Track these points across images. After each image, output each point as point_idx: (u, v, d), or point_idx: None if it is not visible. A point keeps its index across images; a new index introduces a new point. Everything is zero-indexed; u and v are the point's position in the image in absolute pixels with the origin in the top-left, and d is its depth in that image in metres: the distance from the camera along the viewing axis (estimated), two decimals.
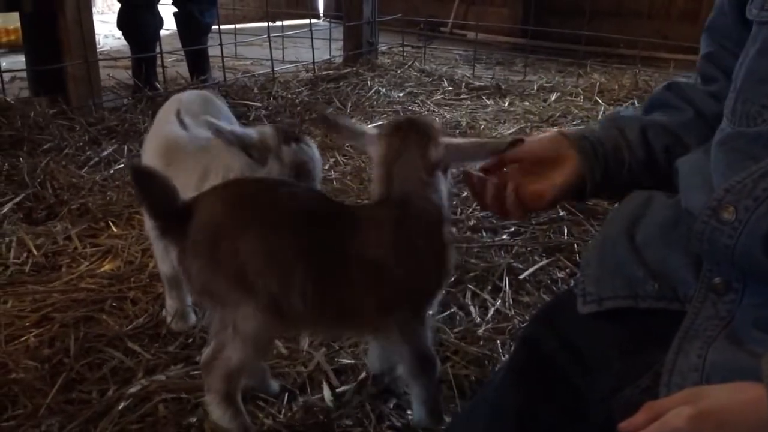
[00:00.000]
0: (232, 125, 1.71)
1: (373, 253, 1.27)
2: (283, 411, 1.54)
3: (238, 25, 6.16)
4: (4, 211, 2.49)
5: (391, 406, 1.56)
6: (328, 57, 5.38)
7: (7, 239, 2.28)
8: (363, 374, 1.65)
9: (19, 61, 4.85)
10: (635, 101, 4.37)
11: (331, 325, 1.42)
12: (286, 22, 6.59)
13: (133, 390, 1.56)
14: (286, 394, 1.59)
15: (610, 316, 1.02)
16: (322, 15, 8.75)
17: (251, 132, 1.62)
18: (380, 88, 4.57)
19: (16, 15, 5.17)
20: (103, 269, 2.14)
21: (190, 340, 1.81)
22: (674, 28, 6.20)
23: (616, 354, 1.00)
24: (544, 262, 2.22)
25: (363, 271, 1.27)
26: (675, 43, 5.57)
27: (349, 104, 4.19)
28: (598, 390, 0.99)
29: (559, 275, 2.15)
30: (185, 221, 1.22)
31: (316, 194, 1.40)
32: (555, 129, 1.26)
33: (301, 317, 1.28)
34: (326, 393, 1.59)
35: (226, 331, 1.25)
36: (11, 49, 5.55)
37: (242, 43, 5.70)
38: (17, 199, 2.57)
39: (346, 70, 4.97)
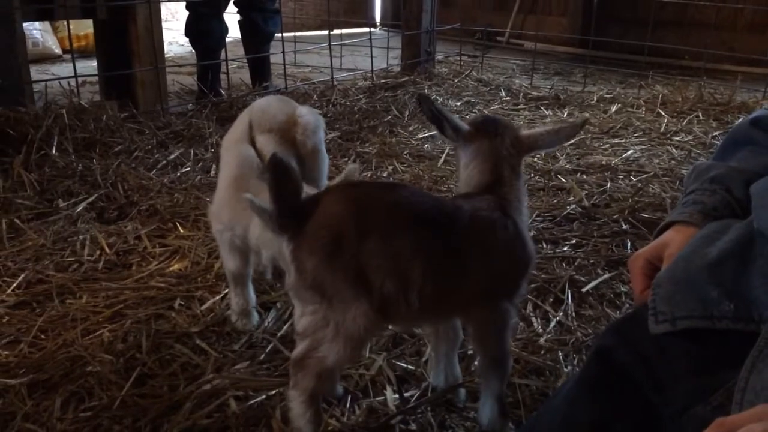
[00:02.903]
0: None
1: (484, 243, 1.36)
2: (346, 413, 1.56)
3: (297, 33, 6.28)
4: (78, 210, 2.60)
5: (454, 413, 1.57)
6: (386, 65, 5.42)
7: (81, 237, 2.38)
8: (426, 382, 1.66)
9: (88, 66, 5.07)
10: (699, 114, 4.28)
11: (433, 319, 1.50)
12: (344, 31, 6.67)
13: (203, 387, 1.60)
14: (349, 397, 1.61)
15: (684, 333, 1.00)
16: (379, 24, 8.83)
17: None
18: (438, 97, 4.59)
19: (86, 22, 5.42)
20: (171, 269, 2.21)
21: (255, 339, 1.86)
22: (741, 40, 6.04)
23: (688, 372, 0.98)
24: (607, 275, 2.19)
25: (474, 261, 1.34)
26: (742, 55, 5.42)
27: (407, 113, 4.22)
28: (669, 407, 0.98)
29: (622, 289, 2.12)
30: (304, 216, 1.27)
31: (426, 193, 1.47)
32: (680, 225, 1.20)
33: (410, 314, 1.31)
34: (389, 396, 1.61)
35: (326, 329, 1.28)
36: (81, 54, 5.78)
37: (301, 51, 5.80)
38: (90, 199, 2.68)
39: (403, 79, 5.02)
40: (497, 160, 1.46)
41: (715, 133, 3.90)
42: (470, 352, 1.78)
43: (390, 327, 1.80)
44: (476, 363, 1.70)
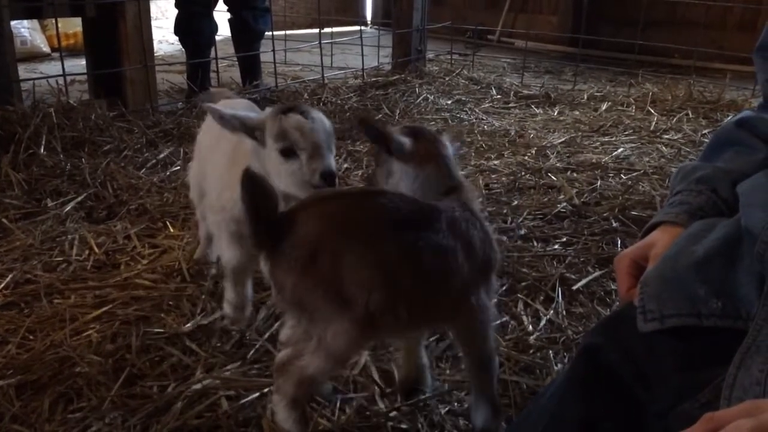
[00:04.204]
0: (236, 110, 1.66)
1: (462, 242, 1.33)
2: (336, 413, 1.56)
3: (288, 32, 6.26)
4: (67, 209, 2.58)
5: (444, 411, 1.57)
6: (377, 64, 5.42)
7: (69, 237, 2.36)
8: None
9: (77, 64, 5.03)
10: (689, 112, 4.30)
11: (420, 327, 1.49)
12: (335, 29, 6.66)
13: (192, 387, 1.60)
14: (339, 396, 1.61)
15: (672, 331, 1.00)
16: (370, 22, 8.82)
17: (252, 114, 1.60)
18: (428, 96, 4.59)
19: (74, 20, 5.39)
20: (161, 268, 2.19)
21: (247, 336, 1.85)
22: (731, 38, 6.08)
23: (676, 369, 0.99)
24: (597, 273, 2.20)
25: (454, 261, 1.32)
26: (731, 53, 5.45)
27: (398, 111, 4.21)
28: (657, 405, 0.98)
29: (612, 287, 2.13)
30: (281, 233, 1.23)
31: (403, 196, 1.40)
32: (666, 225, 1.20)
33: (398, 325, 1.28)
34: (377, 397, 1.60)
35: (309, 341, 1.26)
36: (70, 53, 5.74)
37: (292, 50, 5.78)
38: (79, 199, 2.67)
39: (394, 77, 5.01)
40: (450, 163, 1.48)
41: (705, 131, 3.92)
42: (460, 354, 1.78)
43: (376, 342, 1.77)
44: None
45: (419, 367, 1.61)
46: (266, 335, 1.84)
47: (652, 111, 4.34)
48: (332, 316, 1.22)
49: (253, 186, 1.24)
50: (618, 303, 2.02)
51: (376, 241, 1.24)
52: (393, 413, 1.55)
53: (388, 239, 1.24)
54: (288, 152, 1.51)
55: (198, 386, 1.60)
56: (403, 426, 1.51)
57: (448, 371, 1.73)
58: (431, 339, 1.81)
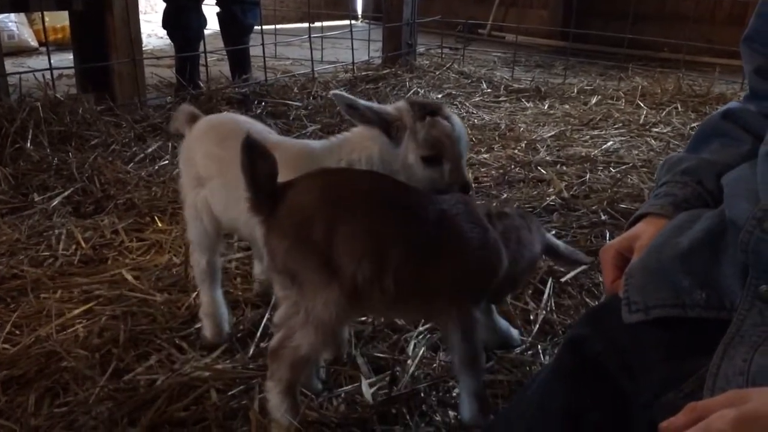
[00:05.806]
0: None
1: (453, 235, 1.34)
2: (324, 405, 1.56)
3: (278, 26, 6.24)
4: (53, 204, 2.56)
5: (434, 402, 1.57)
6: (367, 58, 5.40)
7: (56, 231, 2.35)
8: (408, 372, 1.66)
9: (65, 58, 4.99)
10: (678, 105, 4.31)
11: (405, 310, 1.50)
12: (325, 23, 6.64)
13: (179, 379, 1.59)
14: (325, 389, 1.60)
15: (657, 322, 1.01)
16: (360, 16, 8.80)
17: (388, 107, 1.53)
18: (419, 90, 4.59)
19: (63, 14, 5.34)
20: (148, 263, 2.18)
21: (241, 327, 1.85)
22: (720, 32, 6.10)
23: (661, 360, 0.99)
24: (585, 265, 2.20)
25: (450, 254, 1.33)
26: (720, 47, 5.47)
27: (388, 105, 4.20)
28: (642, 395, 0.99)
29: (600, 279, 2.13)
30: (277, 201, 1.26)
31: (403, 184, 1.42)
32: (651, 217, 1.20)
33: (383, 302, 1.30)
34: (365, 388, 1.60)
35: (298, 315, 1.28)
36: (58, 47, 5.69)
37: (282, 44, 5.76)
38: (66, 193, 2.65)
39: (384, 71, 5.00)
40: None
41: (694, 125, 3.93)
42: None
43: (362, 317, 1.80)
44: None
45: (498, 330, 1.70)
46: (258, 333, 1.83)
47: (642, 104, 4.35)
48: (321, 285, 1.25)
49: (253, 153, 1.26)
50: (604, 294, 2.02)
51: (368, 214, 1.26)
52: (381, 404, 1.55)
53: (379, 214, 1.27)
54: (432, 160, 1.46)
55: (184, 379, 1.59)
56: (391, 417, 1.51)
57: (435, 363, 1.73)
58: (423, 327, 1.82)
